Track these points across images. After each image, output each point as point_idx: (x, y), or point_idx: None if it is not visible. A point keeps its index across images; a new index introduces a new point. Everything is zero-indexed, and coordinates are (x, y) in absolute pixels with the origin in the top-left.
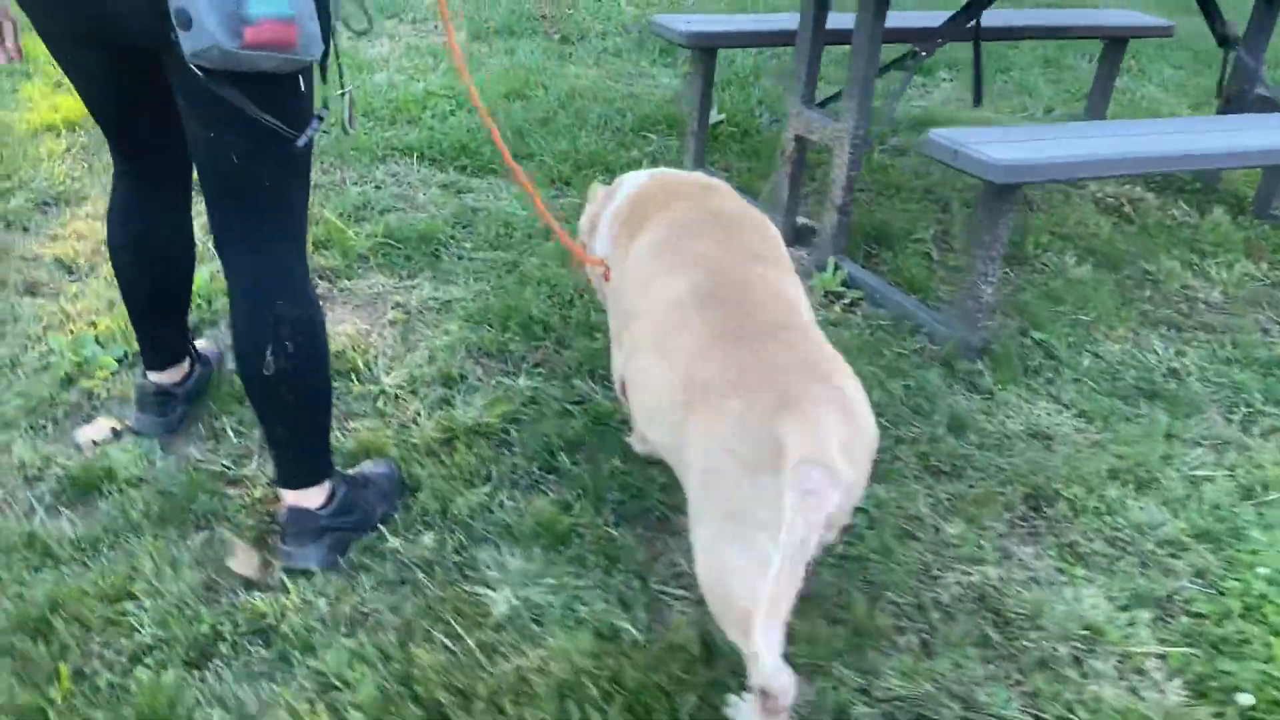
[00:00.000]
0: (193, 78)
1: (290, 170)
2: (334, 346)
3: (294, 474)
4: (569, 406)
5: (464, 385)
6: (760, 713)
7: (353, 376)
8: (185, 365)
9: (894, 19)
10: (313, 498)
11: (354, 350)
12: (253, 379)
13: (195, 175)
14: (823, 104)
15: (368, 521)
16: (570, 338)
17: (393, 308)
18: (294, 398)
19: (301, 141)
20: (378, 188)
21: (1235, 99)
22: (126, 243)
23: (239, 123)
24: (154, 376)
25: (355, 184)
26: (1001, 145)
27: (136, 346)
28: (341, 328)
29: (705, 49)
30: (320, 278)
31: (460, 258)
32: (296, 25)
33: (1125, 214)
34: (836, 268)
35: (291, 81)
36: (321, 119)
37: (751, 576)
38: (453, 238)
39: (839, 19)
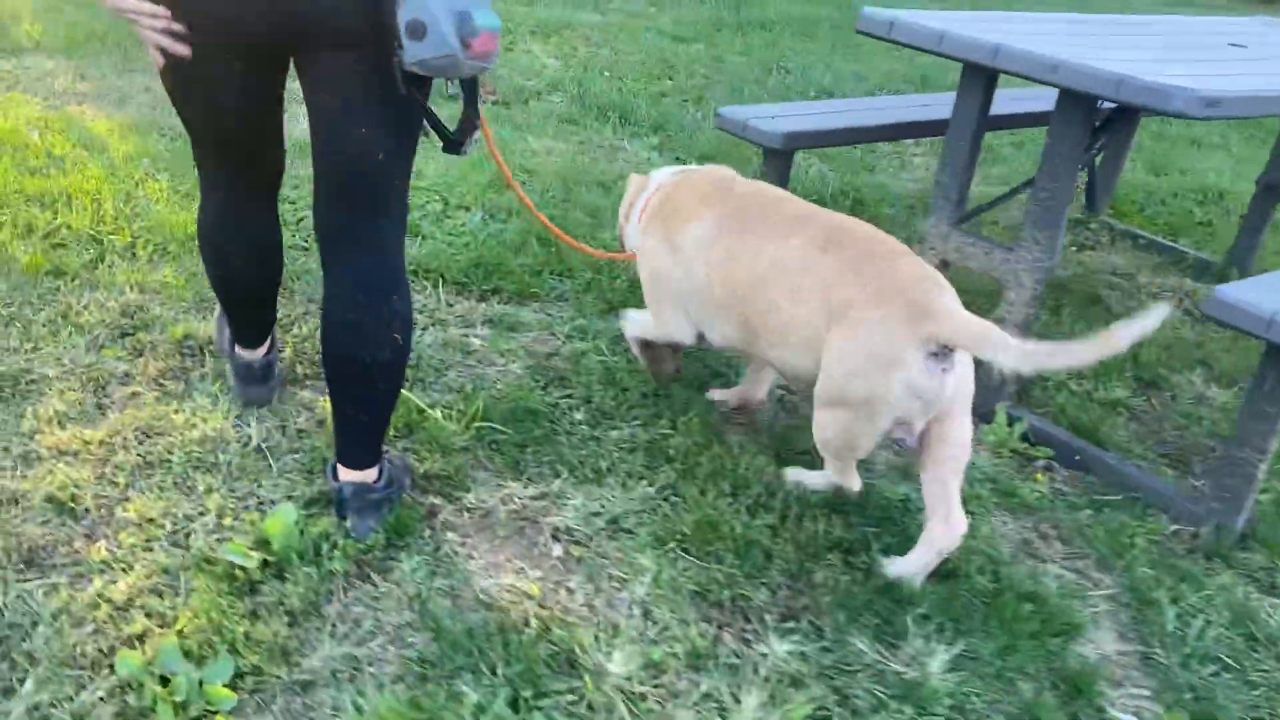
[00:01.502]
0: (365, 80)
1: (410, 171)
2: (526, 620)
3: (364, 455)
4: (875, 692)
5: (716, 664)
6: (828, 485)
7: (574, 667)
8: (269, 340)
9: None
10: (373, 473)
11: (556, 624)
12: (352, 370)
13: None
14: (963, 219)
15: (398, 493)
16: (800, 564)
17: (553, 535)
18: (385, 387)
19: (468, 150)
20: (419, 331)
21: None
22: (238, 245)
23: (393, 123)
24: (244, 355)
25: None
26: None
27: (249, 657)
28: (506, 579)
29: (790, 150)
30: (426, 492)
31: (586, 439)
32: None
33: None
34: (1011, 419)
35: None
36: (477, 127)
37: (866, 440)
38: (555, 406)
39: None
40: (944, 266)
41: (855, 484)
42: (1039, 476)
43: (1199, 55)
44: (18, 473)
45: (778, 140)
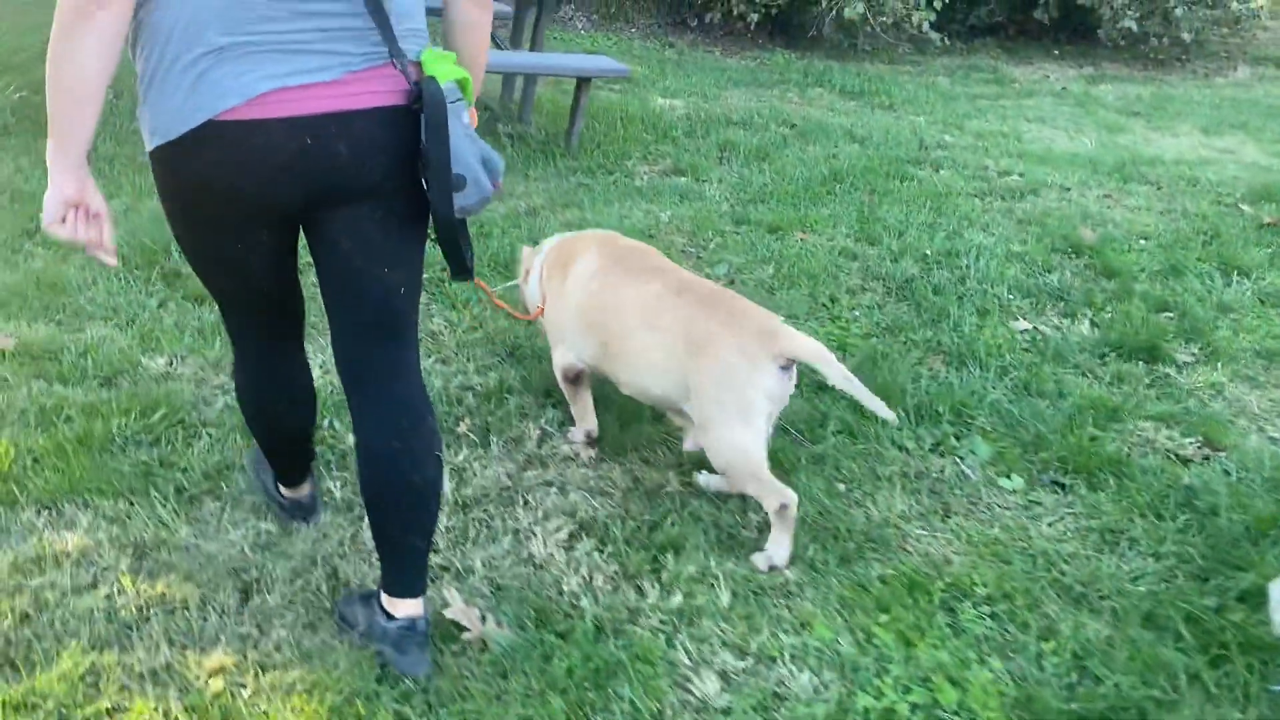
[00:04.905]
0: (383, 225)
1: (420, 295)
2: None
3: (419, 581)
4: None
5: None
6: (786, 525)
7: None
8: (310, 475)
9: None
10: (422, 603)
11: None
12: (404, 495)
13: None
14: None
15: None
16: None
17: None
18: (434, 508)
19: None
20: None
21: None
22: (278, 397)
23: (409, 262)
24: (291, 493)
25: None
26: None
27: None
28: None
29: None
30: None
31: None
32: None
33: None
34: None
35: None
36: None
37: (758, 445)
38: None
39: None
40: None
41: (790, 496)
42: None
43: None
44: None
45: None
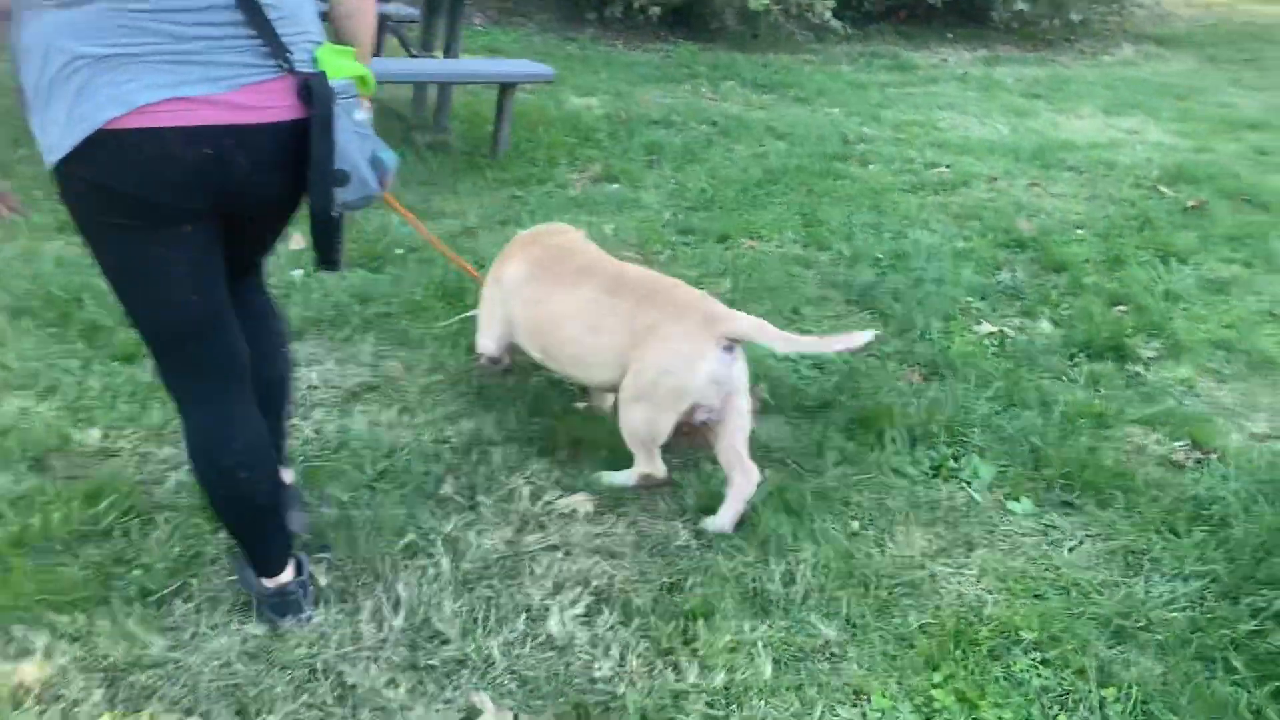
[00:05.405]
0: (276, 229)
1: None
2: None
3: (280, 447)
4: None
5: None
6: (636, 480)
7: None
8: (296, 560)
9: None
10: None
11: None
12: (285, 378)
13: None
14: None
15: None
16: None
17: None
18: (285, 392)
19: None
20: None
21: None
22: (231, 453)
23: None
24: (273, 583)
25: None
26: None
27: None
28: None
29: None
30: None
31: None
32: None
33: None
34: None
35: None
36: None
37: (666, 424)
38: None
39: None
40: None
41: (660, 470)
42: None
43: None
44: None
45: None
